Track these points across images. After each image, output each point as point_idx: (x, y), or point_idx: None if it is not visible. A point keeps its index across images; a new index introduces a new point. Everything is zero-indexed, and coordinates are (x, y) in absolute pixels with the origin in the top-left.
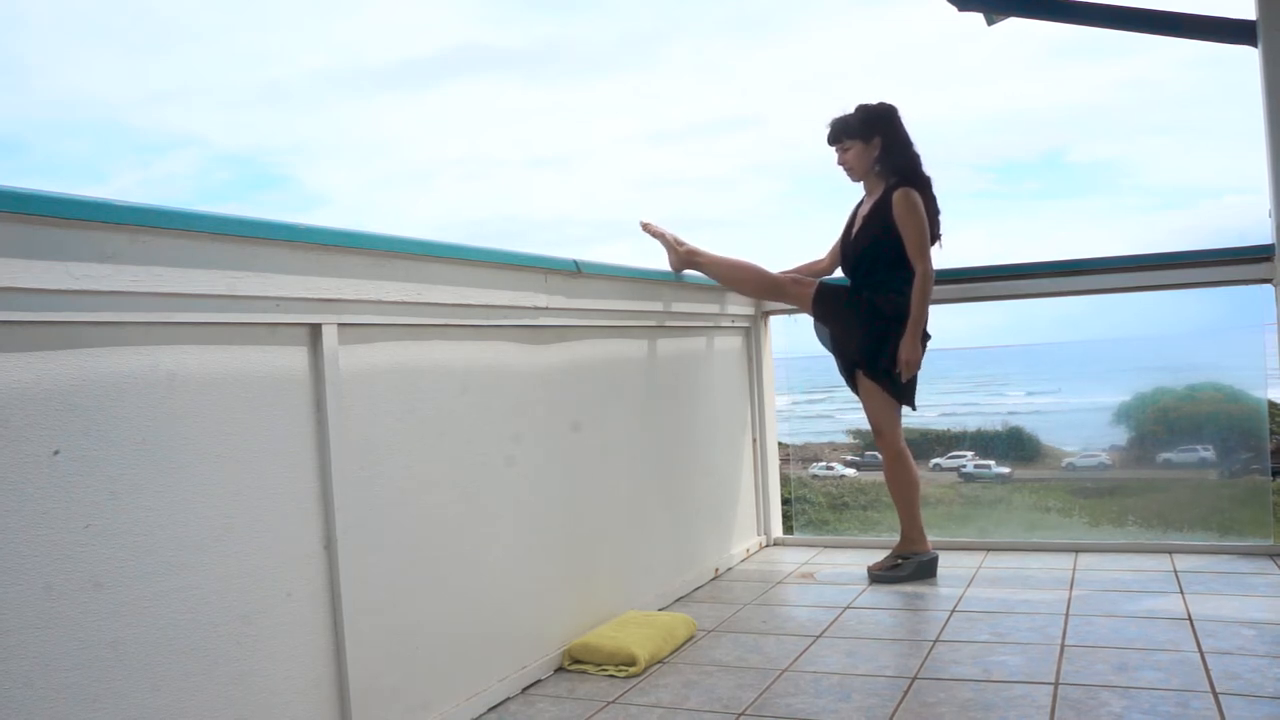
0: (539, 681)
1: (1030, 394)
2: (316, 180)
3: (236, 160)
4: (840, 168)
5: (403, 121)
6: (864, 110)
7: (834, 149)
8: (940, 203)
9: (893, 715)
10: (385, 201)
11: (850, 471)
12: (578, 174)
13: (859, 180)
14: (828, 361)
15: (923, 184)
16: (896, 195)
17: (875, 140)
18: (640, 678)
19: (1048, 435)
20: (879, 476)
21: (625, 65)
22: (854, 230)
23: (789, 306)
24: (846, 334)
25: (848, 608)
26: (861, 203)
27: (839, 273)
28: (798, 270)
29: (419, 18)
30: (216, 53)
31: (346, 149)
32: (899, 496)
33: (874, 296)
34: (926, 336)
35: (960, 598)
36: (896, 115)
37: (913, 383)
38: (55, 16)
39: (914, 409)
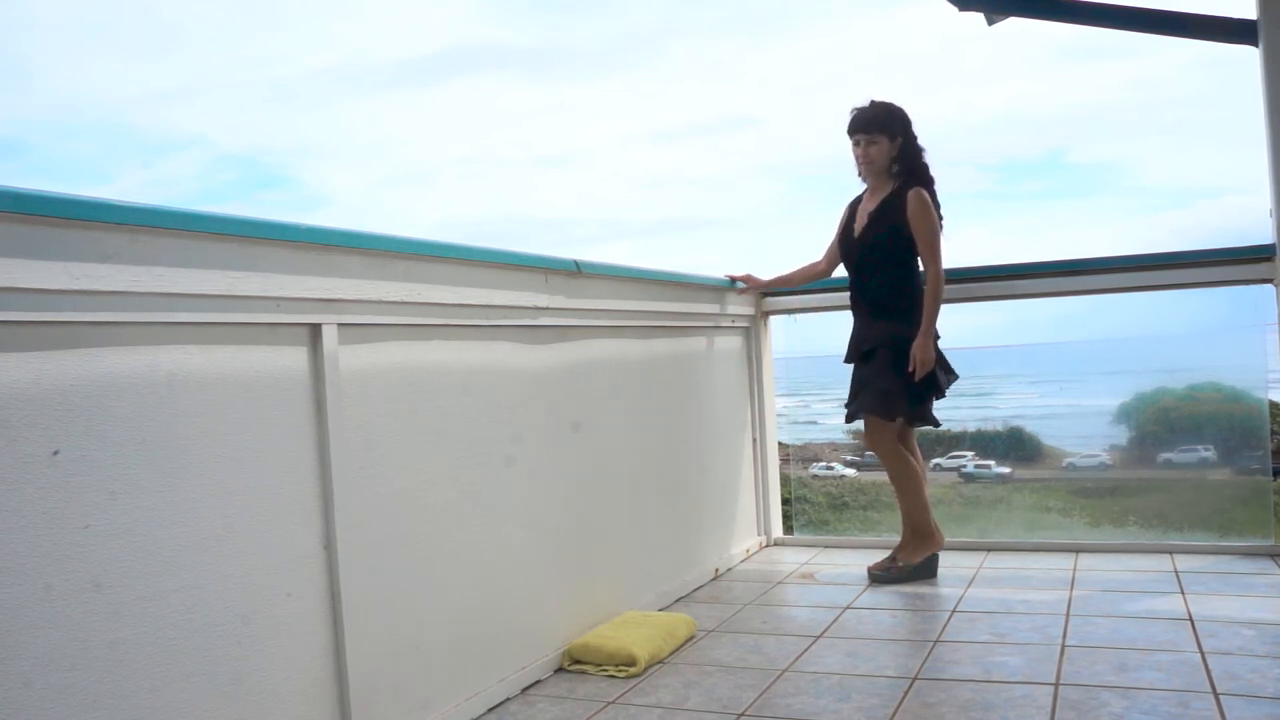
0: (539, 682)
1: (1044, 396)
2: (319, 180)
3: (240, 161)
4: (856, 159)
5: (405, 121)
6: (887, 107)
7: (856, 139)
8: (941, 205)
9: (893, 716)
10: (388, 201)
11: (850, 471)
12: (581, 173)
13: (875, 175)
14: (827, 362)
15: (931, 185)
16: (911, 195)
17: (898, 139)
18: (640, 678)
19: (1048, 435)
20: (879, 476)
21: (627, 64)
22: (858, 227)
23: (788, 306)
24: (873, 379)
25: (848, 608)
26: (860, 200)
27: (838, 272)
28: (796, 273)
29: (421, 17)
30: (220, 53)
31: (349, 149)
32: (901, 495)
33: (895, 331)
34: (936, 336)
35: (960, 598)
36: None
37: (928, 401)
38: (59, 18)
39: (937, 425)
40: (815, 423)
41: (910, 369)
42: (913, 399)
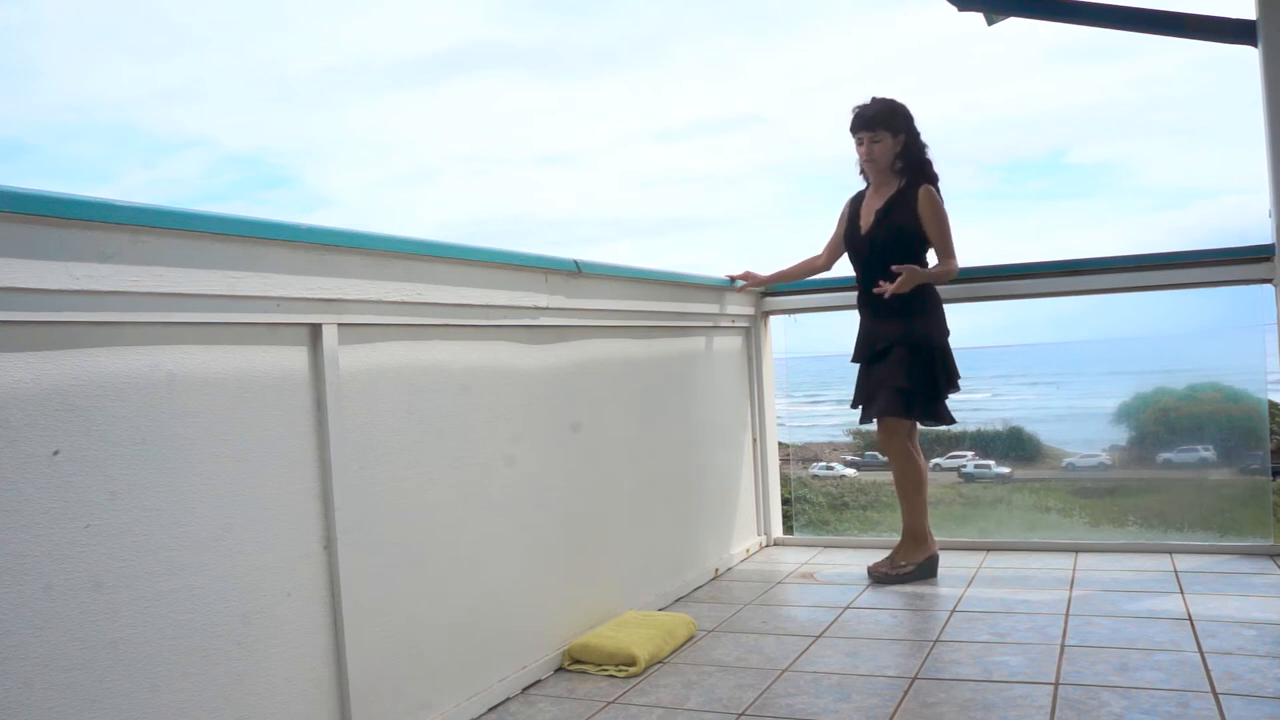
0: (539, 681)
1: (1044, 396)
2: (323, 181)
3: (244, 161)
4: (861, 157)
5: (409, 120)
6: (889, 104)
7: (859, 137)
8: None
9: (893, 715)
10: (391, 201)
11: (850, 471)
12: (584, 172)
13: (878, 173)
14: (828, 362)
15: (936, 182)
16: (922, 193)
17: (900, 136)
18: (640, 678)
19: (1048, 435)
20: (879, 476)
21: (631, 63)
22: (864, 225)
23: (789, 306)
24: (888, 378)
25: (848, 608)
26: (862, 197)
27: (843, 270)
28: (796, 267)
29: (425, 17)
30: (225, 54)
31: (353, 149)
32: (903, 497)
33: (909, 329)
34: (946, 332)
35: (960, 598)
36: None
37: (941, 400)
38: (64, 20)
39: (953, 423)
40: (787, 423)
41: (892, 286)
42: (928, 397)
